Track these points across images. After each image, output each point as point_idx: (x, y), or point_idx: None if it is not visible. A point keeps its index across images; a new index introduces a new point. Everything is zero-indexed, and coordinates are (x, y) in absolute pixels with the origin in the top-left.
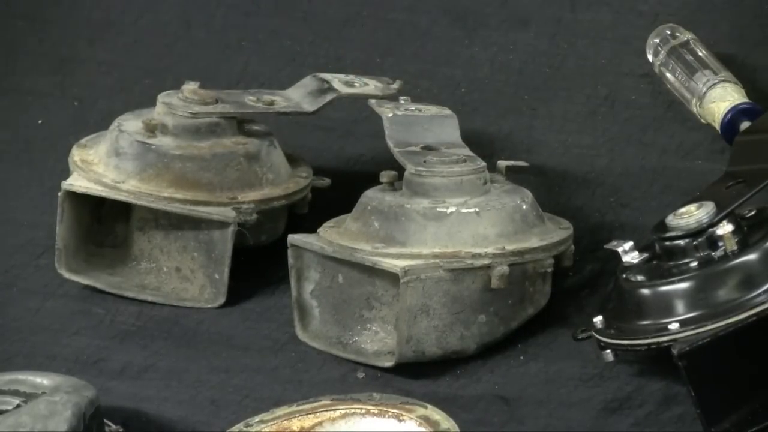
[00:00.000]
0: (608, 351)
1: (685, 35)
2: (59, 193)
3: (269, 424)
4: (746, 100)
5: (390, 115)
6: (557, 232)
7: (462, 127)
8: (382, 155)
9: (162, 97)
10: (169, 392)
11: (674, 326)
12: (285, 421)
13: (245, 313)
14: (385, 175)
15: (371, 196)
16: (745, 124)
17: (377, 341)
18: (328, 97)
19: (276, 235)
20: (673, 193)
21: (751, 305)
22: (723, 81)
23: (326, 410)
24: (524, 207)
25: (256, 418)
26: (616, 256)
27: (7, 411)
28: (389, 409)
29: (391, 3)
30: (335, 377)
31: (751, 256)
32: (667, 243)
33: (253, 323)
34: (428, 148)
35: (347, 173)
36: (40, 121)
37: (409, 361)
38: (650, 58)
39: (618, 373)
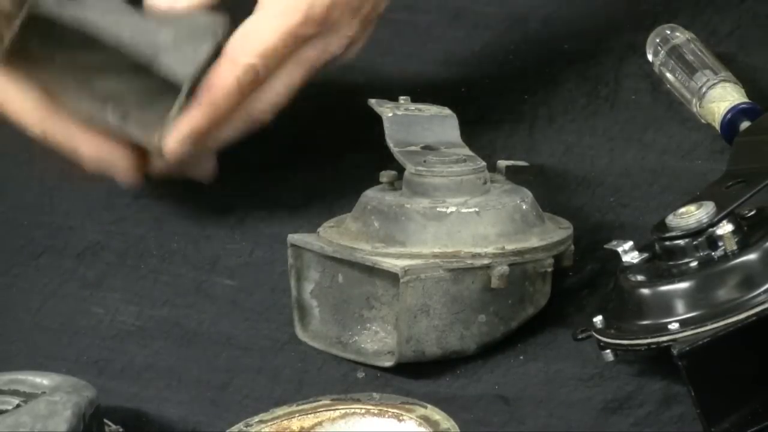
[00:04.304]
0: (608, 351)
1: (685, 35)
2: None
3: (269, 424)
4: (746, 100)
5: (390, 114)
6: (557, 231)
7: (462, 127)
8: (381, 155)
9: None
10: (169, 392)
11: (674, 326)
12: (285, 421)
13: (245, 313)
14: (385, 175)
15: (371, 195)
16: (745, 124)
17: (377, 341)
18: None
19: None
20: (673, 193)
21: (751, 305)
22: (723, 81)
23: (326, 410)
24: (524, 207)
25: (256, 418)
26: (616, 256)
27: (6, 411)
28: (389, 409)
29: (391, 3)
30: (335, 377)
31: (751, 256)
32: (667, 243)
33: (253, 323)
34: (428, 148)
35: (347, 173)
36: None
37: (408, 361)
38: (650, 57)
39: (618, 372)
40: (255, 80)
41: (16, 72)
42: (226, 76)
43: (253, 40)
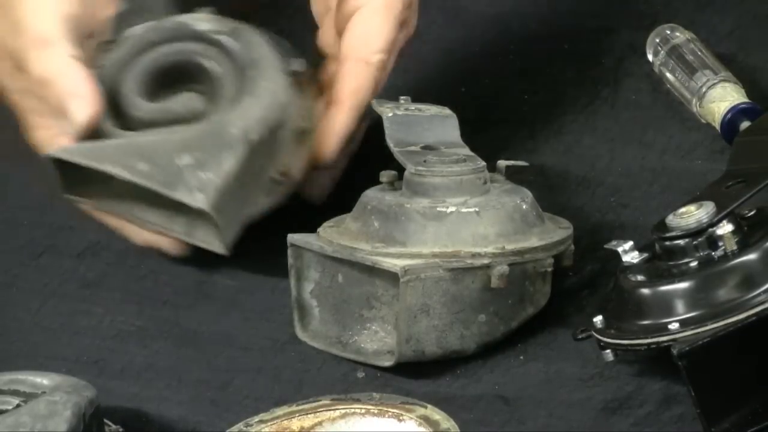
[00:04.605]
0: (608, 351)
1: (685, 35)
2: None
3: (269, 423)
4: (746, 99)
5: (390, 114)
6: (557, 231)
7: (462, 127)
8: (382, 155)
9: None
10: (170, 392)
11: (674, 326)
12: (285, 421)
13: (245, 313)
14: (385, 175)
15: (371, 195)
16: (745, 124)
17: (377, 341)
18: None
19: None
20: (673, 193)
21: (751, 305)
22: (723, 81)
23: (326, 410)
24: (524, 207)
25: (256, 418)
26: (616, 256)
27: (6, 411)
28: (389, 409)
29: None
30: (335, 377)
31: (751, 256)
32: (667, 243)
33: (253, 323)
34: (428, 148)
35: (347, 173)
36: None
37: (408, 360)
38: (650, 57)
39: (618, 372)
40: (385, 73)
41: (86, 201)
42: (363, 77)
43: (373, 36)
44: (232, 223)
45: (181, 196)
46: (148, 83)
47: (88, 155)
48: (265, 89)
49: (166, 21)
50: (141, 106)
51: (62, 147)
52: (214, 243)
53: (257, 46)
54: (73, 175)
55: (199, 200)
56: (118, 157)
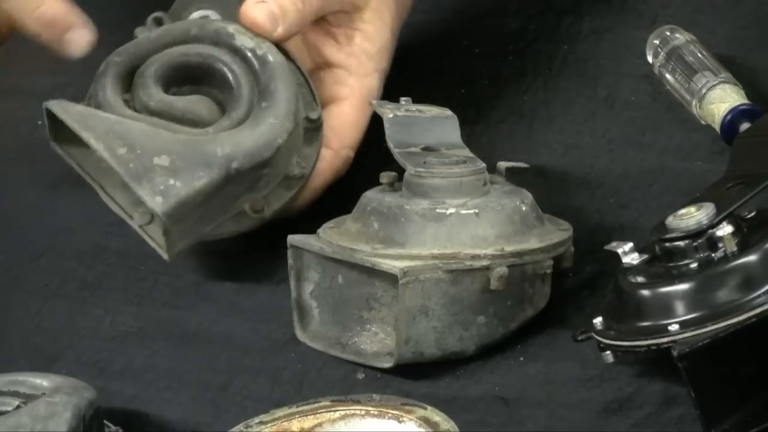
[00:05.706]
0: (608, 352)
1: (684, 36)
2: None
3: (269, 425)
4: (746, 101)
5: (391, 116)
6: (557, 233)
7: (461, 128)
8: (382, 156)
9: None
10: (170, 393)
11: (674, 327)
12: (285, 422)
13: (245, 314)
14: (385, 176)
15: (371, 197)
16: (745, 126)
17: (376, 342)
18: None
19: None
20: (673, 195)
21: (751, 306)
22: (723, 82)
23: (326, 411)
24: (524, 208)
25: (256, 419)
26: (616, 258)
27: (7, 412)
28: (389, 410)
29: None
30: (335, 378)
31: (751, 258)
32: (667, 244)
33: (253, 324)
34: (429, 149)
35: (347, 174)
36: (40, 122)
37: (407, 362)
38: (650, 59)
39: (618, 374)
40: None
41: (70, 154)
42: (329, 164)
43: (348, 132)
44: (185, 235)
45: (142, 192)
46: (170, 74)
47: (79, 120)
48: (268, 125)
49: (213, 22)
50: (153, 94)
51: (61, 103)
52: (162, 247)
53: (280, 79)
54: (63, 129)
55: (156, 203)
56: (105, 132)
